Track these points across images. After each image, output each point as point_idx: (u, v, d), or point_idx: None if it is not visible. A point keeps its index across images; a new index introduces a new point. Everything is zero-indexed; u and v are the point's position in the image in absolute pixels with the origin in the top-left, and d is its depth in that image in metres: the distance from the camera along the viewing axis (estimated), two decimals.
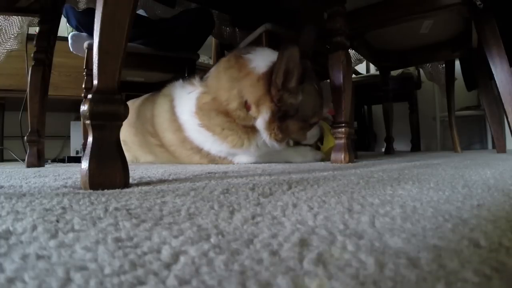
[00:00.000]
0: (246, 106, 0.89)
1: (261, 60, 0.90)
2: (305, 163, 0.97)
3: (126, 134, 1.22)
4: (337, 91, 0.92)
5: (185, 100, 1.00)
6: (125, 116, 0.45)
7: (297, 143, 1.04)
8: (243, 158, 0.99)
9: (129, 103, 1.32)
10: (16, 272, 0.15)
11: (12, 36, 1.33)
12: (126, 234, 0.21)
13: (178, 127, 1.01)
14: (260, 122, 0.88)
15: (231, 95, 0.90)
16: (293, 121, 0.90)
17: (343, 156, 0.89)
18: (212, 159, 1.01)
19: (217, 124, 0.92)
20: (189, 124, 0.98)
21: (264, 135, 0.89)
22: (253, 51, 0.95)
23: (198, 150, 1.00)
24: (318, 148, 1.08)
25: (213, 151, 0.99)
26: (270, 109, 0.86)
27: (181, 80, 1.10)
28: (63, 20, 1.30)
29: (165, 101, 1.08)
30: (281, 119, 0.87)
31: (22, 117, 1.30)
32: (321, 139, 1.08)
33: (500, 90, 1.12)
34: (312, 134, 1.00)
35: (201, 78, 1.02)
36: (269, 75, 0.85)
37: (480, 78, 1.60)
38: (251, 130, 0.91)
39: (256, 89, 0.87)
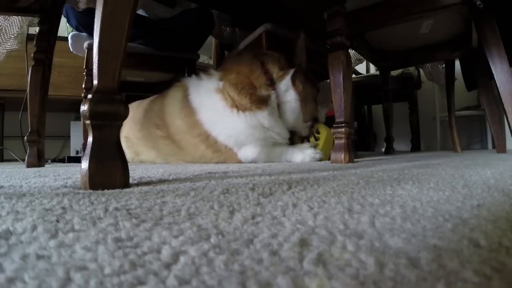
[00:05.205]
0: (266, 75, 1.05)
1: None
2: (305, 161, 1.01)
3: (130, 131, 1.27)
4: (337, 91, 0.92)
5: (204, 84, 1.08)
6: (125, 116, 0.45)
7: (292, 142, 1.13)
8: (248, 151, 1.02)
9: (137, 103, 1.35)
10: (16, 272, 0.15)
11: (12, 36, 1.33)
12: (126, 234, 0.21)
13: (189, 112, 1.06)
14: (287, 80, 1.05)
15: (253, 67, 1.06)
16: (308, 84, 1.09)
17: (343, 156, 0.89)
18: (218, 150, 1.03)
19: (244, 95, 1.02)
20: (205, 104, 1.05)
21: (291, 89, 1.05)
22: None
23: (206, 137, 1.04)
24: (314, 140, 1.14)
25: (222, 137, 1.02)
26: (293, 70, 1.06)
27: (193, 75, 1.18)
28: (63, 20, 1.30)
29: (178, 91, 1.15)
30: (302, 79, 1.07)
31: (22, 117, 1.31)
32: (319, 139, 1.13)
33: (500, 90, 1.11)
34: (306, 125, 1.13)
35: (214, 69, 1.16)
36: (283, 57, 1.09)
37: (480, 78, 1.59)
38: (266, 101, 1.04)
39: (279, 61, 1.08)
